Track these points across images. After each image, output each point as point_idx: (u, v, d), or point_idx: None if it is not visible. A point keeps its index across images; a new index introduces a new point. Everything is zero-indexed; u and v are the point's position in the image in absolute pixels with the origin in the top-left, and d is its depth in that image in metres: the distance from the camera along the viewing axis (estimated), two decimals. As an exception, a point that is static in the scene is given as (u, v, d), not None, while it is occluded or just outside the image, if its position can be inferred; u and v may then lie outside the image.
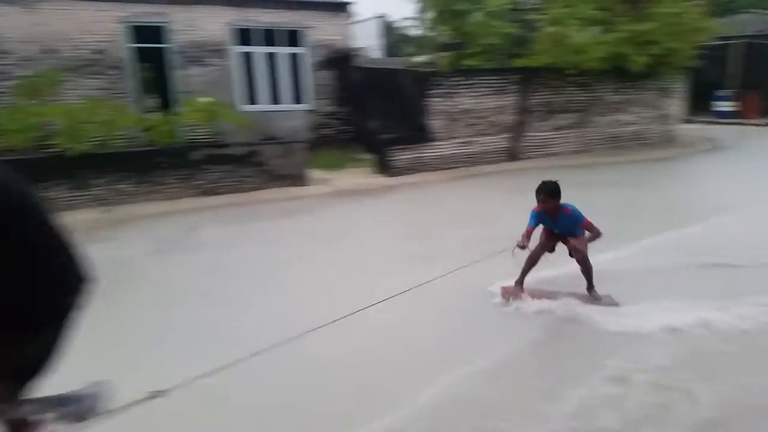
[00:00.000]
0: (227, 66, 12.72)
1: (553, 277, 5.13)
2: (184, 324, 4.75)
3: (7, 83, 10.51)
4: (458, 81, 11.88)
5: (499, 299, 4.87)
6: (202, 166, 9.69)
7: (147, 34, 11.89)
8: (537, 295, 4.79)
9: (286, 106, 13.29)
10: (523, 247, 4.52)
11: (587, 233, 4.66)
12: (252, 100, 13.00)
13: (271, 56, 13.20)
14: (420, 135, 11.69)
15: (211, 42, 12.50)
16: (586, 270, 4.74)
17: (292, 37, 13.37)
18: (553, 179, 4.58)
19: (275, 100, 13.30)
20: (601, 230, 4.59)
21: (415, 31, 18.09)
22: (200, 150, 9.76)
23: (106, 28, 11.48)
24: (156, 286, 5.86)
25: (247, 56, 12.97)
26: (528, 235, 4.54)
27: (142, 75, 12.08)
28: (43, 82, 10.18)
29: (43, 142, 8.96)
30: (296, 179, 10.40)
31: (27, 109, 9.27)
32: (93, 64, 11.46)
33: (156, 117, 10.50)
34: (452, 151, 11.91)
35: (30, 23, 11.00)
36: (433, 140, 11.74)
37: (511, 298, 4.81)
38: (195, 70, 12.39)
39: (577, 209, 4.60)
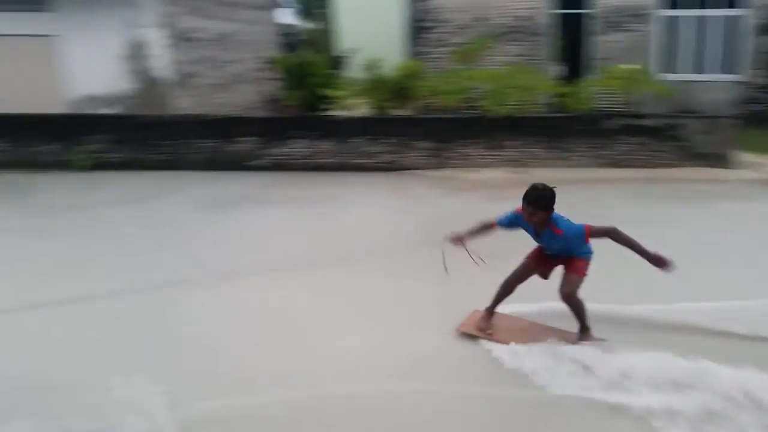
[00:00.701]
0: (647, 31, 11.76)
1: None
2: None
3: (443, 49, 11.88)
4: None
5: (458, 327, 4.01)
6: (613, 137, 9.24)
7: (570, 0, 11.85)
8: (510, 332, 3.85)
9: (712, 75, 11.65)
10: (456, 242, 3.74)
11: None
12: (671, 68, 11.79)
13: (700, 20, 11.66)
14: None
15: (634, 6, 11.70)
16: (575, 311, 3.72)
17: (731, -3, 11.53)
18: (548, 184, 3.49)
19: (699, 68, 11.77)
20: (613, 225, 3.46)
21: None
22: (614, 119, 9.31)
23: (532, -5, 11.88)
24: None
25: (672, 20, 11.74)
26: (482, 229, 3.75)
27: (557, 42, 12.15)
28: (474, 48, 11.12)
29: (469, 103, 9.84)
30: (719, 160, 9.04)
31: (459, 73, 10.26)
32: (515, 31, 12.02)
33: (569, 83, 10.44)
34: None
35: (466, -7, 12.13)
36: None
37: (468, 330, 3.94)
38: (612, 36, 11.85)
39: (572, 224, 3.53)
